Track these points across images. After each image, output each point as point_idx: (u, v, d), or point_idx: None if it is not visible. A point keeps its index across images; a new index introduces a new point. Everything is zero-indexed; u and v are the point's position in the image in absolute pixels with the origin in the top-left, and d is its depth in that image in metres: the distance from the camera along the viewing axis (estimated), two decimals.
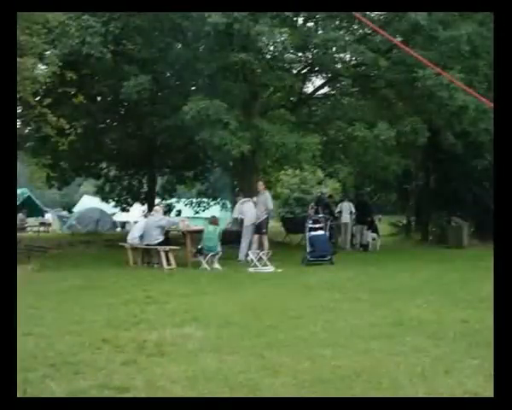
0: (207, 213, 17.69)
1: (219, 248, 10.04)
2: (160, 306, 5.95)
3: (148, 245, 10.03)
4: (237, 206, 11.57)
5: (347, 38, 11.71)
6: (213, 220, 10.56)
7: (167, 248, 9.78)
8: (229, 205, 20.03)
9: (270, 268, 9.65)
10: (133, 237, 10.24)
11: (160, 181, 19.68)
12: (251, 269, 9.61)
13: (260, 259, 9.90)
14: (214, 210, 18.95)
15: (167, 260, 9.67)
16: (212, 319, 5.17)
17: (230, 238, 11.50)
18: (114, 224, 25.12)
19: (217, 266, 9.90)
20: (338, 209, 14.41)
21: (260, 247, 10.63)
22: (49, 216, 27.21)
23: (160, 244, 9.87)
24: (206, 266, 9.76)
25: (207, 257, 9.86)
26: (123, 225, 24.03)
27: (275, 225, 18.57)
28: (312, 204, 14.62)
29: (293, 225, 15.94)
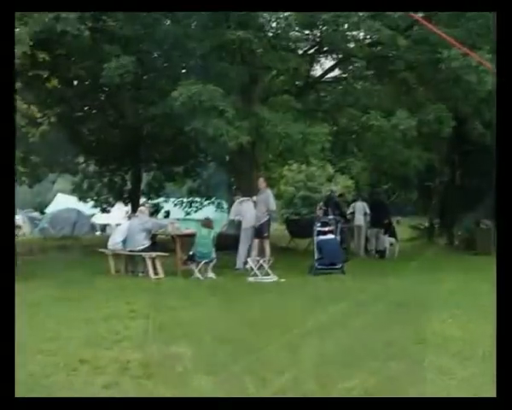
0: (200, 215, 17.72)
1: (214, 255, 10.07)
2: (146, 321, 5.96)
3: (132, 251, 10.05)
4: (234, 206, 11.61)
5: (361, 14, 11.71)
6: (207, 223, 10.58)
7: (154, 254, 9.81)
8: (225, 205, 20.08)
9: (272, 278, 9.67)
10: (115, 241, 10.27)
11: (145, 177, 19.72)
12: (250, 279, 9.64)
13: (261, 267, 9.93)
14: (208, 211, 18.98)
15: (154, 268, 9.71)
16: (206, 336, 5.19)
17: (226, 243, 11.54)
18: (93, 227, 25.15)
19: (211, 275, 9.93)
20: (350, 210, 14.44)
21: (261, 253, 10.67)
22: (18, 218, 27.19)
23: (145, 250, 9.90)
24: (198, 275, 9.79)
25: (200, 265, 9.89)
26: (103, 228, 24.07)
27: (278, 228, 18.60)
28: (321, 204, 14.65)
29: (299, 228, 15.98)
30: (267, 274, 9.82)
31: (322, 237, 10.74)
